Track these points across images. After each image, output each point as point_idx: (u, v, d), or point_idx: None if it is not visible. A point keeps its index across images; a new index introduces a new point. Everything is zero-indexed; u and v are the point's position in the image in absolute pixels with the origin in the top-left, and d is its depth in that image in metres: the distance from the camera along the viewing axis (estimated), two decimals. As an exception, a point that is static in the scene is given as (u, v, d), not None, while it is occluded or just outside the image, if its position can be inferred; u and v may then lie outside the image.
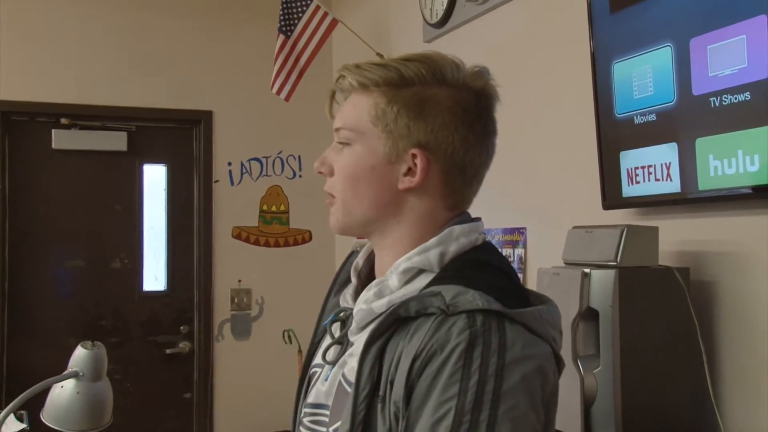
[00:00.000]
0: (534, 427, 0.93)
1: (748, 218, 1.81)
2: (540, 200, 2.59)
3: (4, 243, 3.89)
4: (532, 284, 2.04)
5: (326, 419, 1.07)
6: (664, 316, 1.81)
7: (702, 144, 1.81)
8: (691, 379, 1.82)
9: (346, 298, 1.16)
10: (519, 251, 2.68)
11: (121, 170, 4.16)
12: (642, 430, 1.77)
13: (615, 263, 1.81)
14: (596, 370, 1.79)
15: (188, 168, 4.28)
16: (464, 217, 1.10)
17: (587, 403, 1.80)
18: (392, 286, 1.05)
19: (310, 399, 1.13)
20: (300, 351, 3.98)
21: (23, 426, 2.01)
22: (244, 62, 4.26)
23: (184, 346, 4.19)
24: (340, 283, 1.22)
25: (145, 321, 4.16)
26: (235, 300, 4.27)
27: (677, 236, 1.97)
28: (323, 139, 1.44)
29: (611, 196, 2.12)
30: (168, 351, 4.16)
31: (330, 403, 1.07)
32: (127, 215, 4.16)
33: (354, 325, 1.09)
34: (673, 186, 1.90)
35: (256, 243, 4.33)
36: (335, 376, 1.08)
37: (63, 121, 4.02)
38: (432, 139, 1.05)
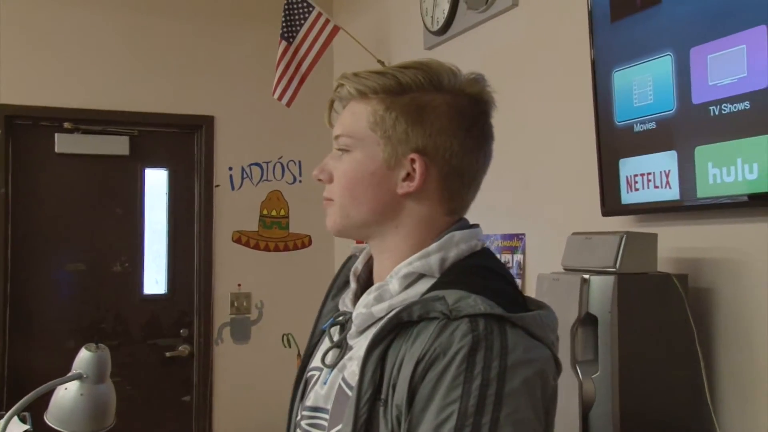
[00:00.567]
0: (535, 430, 0.94)
1: (746, 226, 1.82)
2: (539, 206, 2.60)
3: (7, 246, 3.89)
4: (531, 290, 2.05)
5: (325, 423, 1.07)
6: (662, 322, 1.82)
7: (701, 152, 1.82)
8: (688, 385, 1.83)
9: (345, 302, 1.16)
10: (518, 257, 2.68)
11: (123, 174, 4.16)
12: (640, 435, 1.78)
13: (614, 269, 1.81)
14: (595, 375, 1.80)
15: (189, 172, 4.29)
16: (463, 223, 1.11)
17: (586, 408, 1.80)
18: (392, 290, 1.06)
19: (308, 402, 1.13)
20: (299, 355, 3.98)
21: (27, 427, 2.00)
22: (245, 68, 4.27)
23: (183, 349, 4.19)
24: (337, 286, 1.23)
25: (145, 324, 4.16)
26: (235, 304, 4.28)
27: (676, 243, 1.98)
28: (323, 145, 1.46)
29: (610, 202, 2.12)
30: (168, 354, 4.16)
31: (329, 406, 1.07)
32: (128, 219, 4.17)
33: (353, 329, 1.10)
34: (672, 193, 1.91)
35: (256, 247, 4.34)
36: (335, 379, 1.08)
37: (66, 125, 4.02)
38: (430, 144, 1.05)
